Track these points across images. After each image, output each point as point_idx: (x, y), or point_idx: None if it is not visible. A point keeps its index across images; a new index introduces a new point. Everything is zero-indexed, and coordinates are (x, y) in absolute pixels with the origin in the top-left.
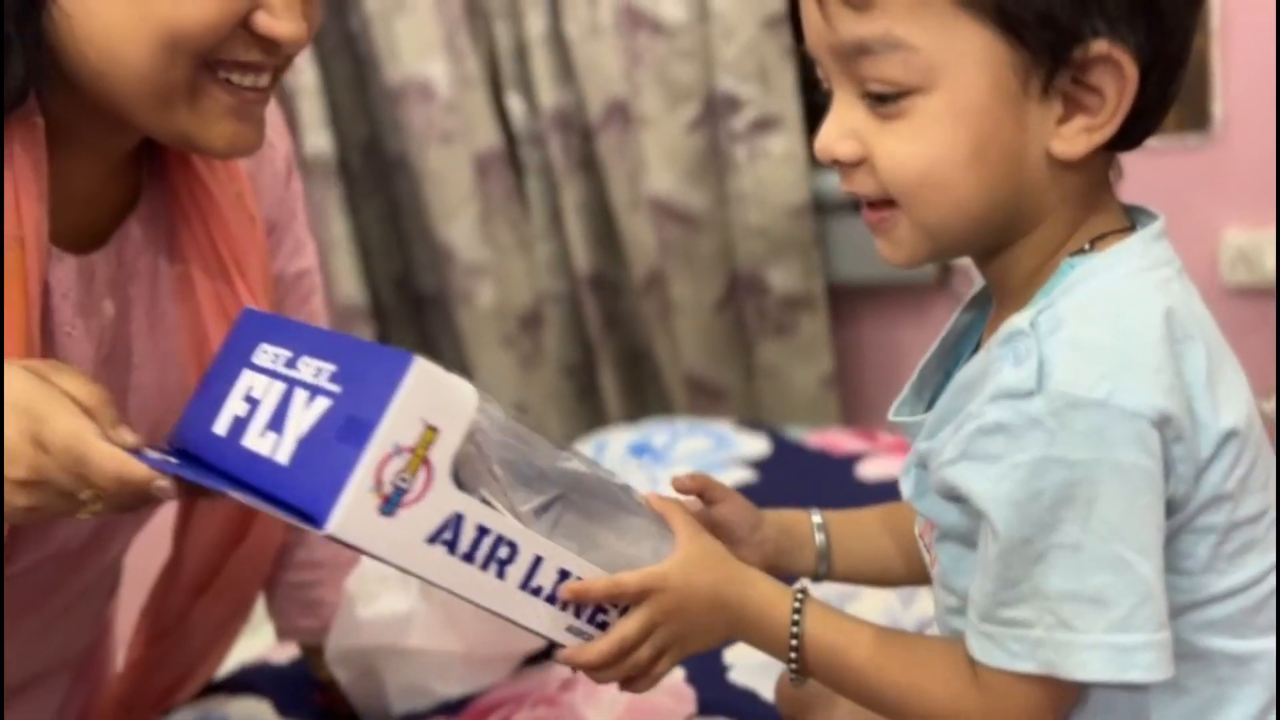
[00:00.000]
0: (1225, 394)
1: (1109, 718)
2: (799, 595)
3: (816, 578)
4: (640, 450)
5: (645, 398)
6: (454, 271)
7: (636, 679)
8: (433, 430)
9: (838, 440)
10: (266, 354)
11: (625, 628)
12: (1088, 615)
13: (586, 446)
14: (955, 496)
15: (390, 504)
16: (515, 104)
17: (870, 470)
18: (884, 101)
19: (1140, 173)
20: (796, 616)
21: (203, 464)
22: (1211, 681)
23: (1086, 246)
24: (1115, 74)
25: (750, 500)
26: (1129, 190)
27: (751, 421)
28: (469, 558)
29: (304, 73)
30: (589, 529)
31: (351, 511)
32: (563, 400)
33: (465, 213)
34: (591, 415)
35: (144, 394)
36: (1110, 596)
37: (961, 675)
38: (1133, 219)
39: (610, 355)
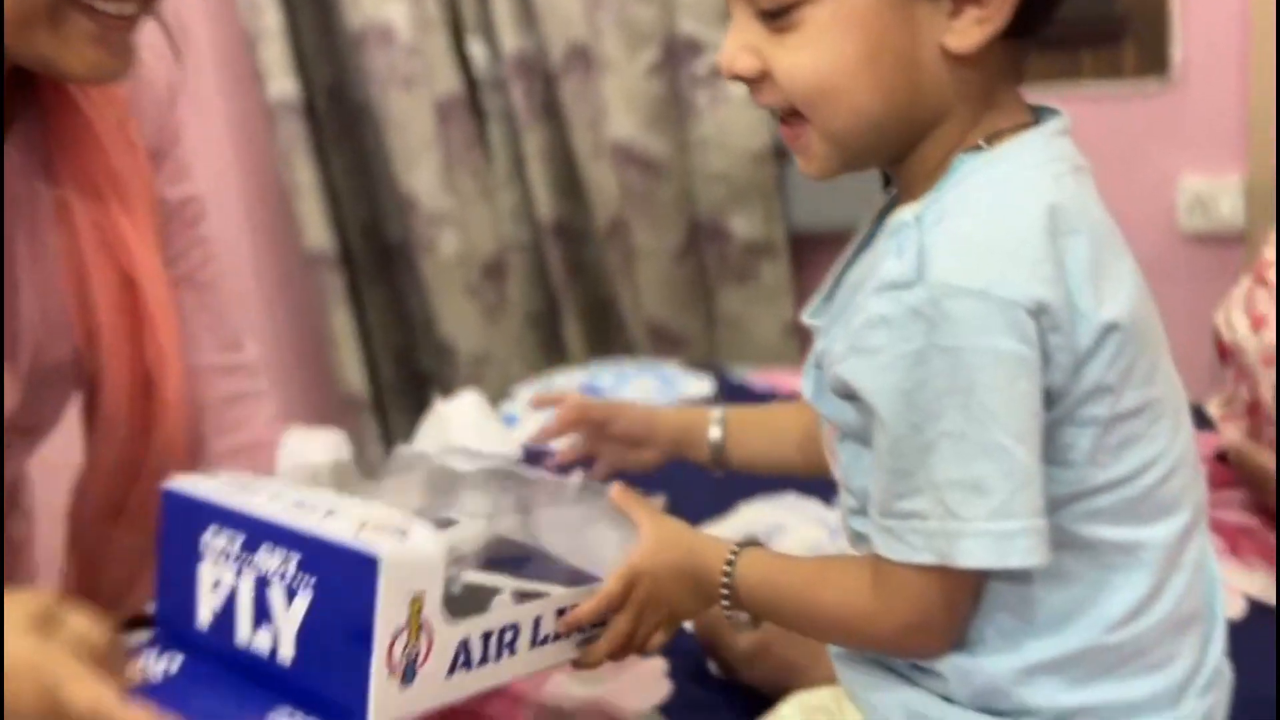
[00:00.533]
0: (1110, 289)
1: (999, 614)
2: (734, 548)
3: (713, 467)
4: (589, 391)
5: (609, 346)
6: (417, 220)
7: (641, 653)
8: (417, 598)
9: (785, 380)
10: (220, 538)
11: (619, 625)
12: (971, 503)
13: (535, 388)
14: (848, 393)
15: (408, 675)
16: (477, 48)
17: None
18: (776, 16)
19: (1099, 118)
20: (731, 558)
21: (201, 661)
22: (1096, 568)
23: (982, 143)
24: None
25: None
26: (1085, 134)
27: (700, 363)
28: (484, 661)
29: (266, 15)
30: (562, 563)
31: (381, 703)
32: (527, 349)
33: (427, 160)
34: (555, 364)
35: (28, 321)
36: (990, 484)
37: (860, 581)
38: (1037, 116)
39: (574, 304)
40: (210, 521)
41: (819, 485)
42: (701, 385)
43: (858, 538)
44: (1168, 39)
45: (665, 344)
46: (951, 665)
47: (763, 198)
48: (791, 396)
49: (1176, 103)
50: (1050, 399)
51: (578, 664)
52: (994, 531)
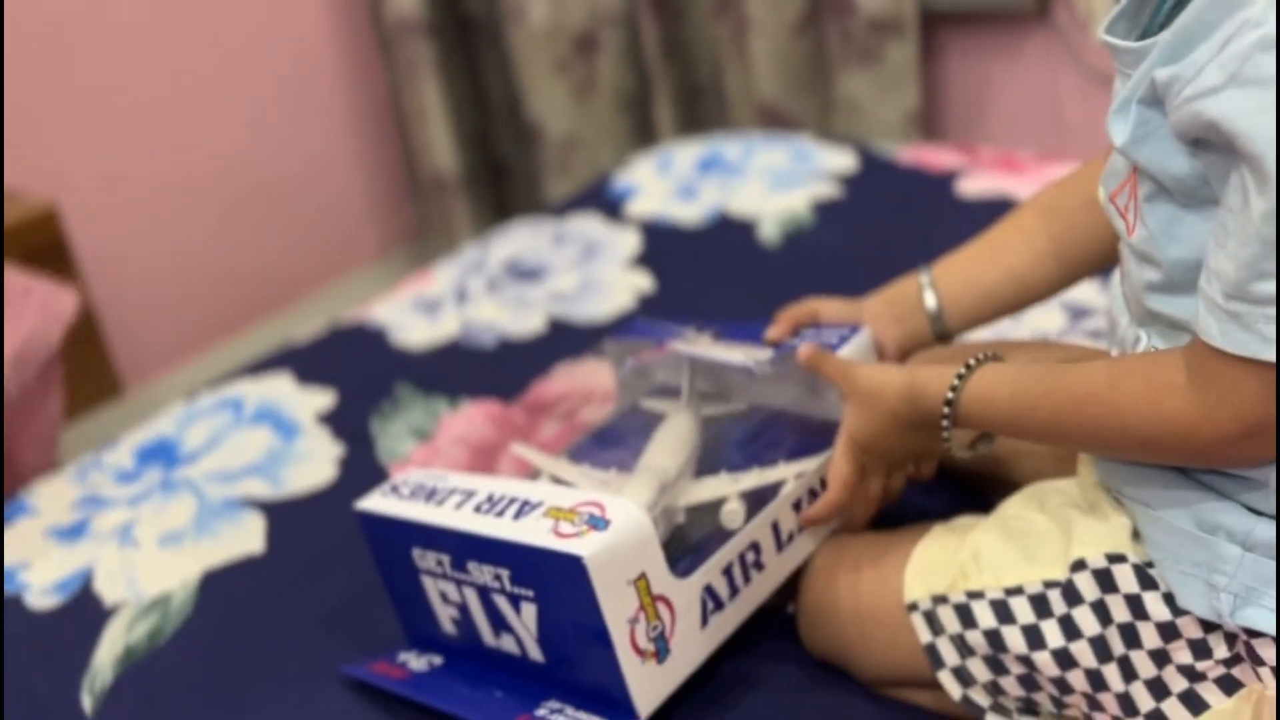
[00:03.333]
0: None
1: None
2: (960, 370)
3: (937, 337)
4: (711, 164)
5: (707, 133)
6: None
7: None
8: (640, 578)
9: (933, 156)
10: (428, 558)
11: (865, 490)
12: None
13: (650, 159)
14: (1202, 139)
15: (661, 652)
16: None
17: (971, 187)
18: None
19: None
20: (956, 383)
21: (460, 656)
22: None
23: None
24: None
25: (844, 221)
26: None
27: (834, 136)
28: (734, 592)
29: None
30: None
31: (644, 692)
32: (618, 135)
33: None
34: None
35: None
36: None
37: (1169, 379)
38: None
39: (670, 86)
40: (412, 542)
41: None
42: (842, 159)
43: (1151, 321)
44: None
45: (775, 129)
46: (1265, 473)
47: None
48: (939, 175)
49: None
50: None
51: (804, 521)
52: None
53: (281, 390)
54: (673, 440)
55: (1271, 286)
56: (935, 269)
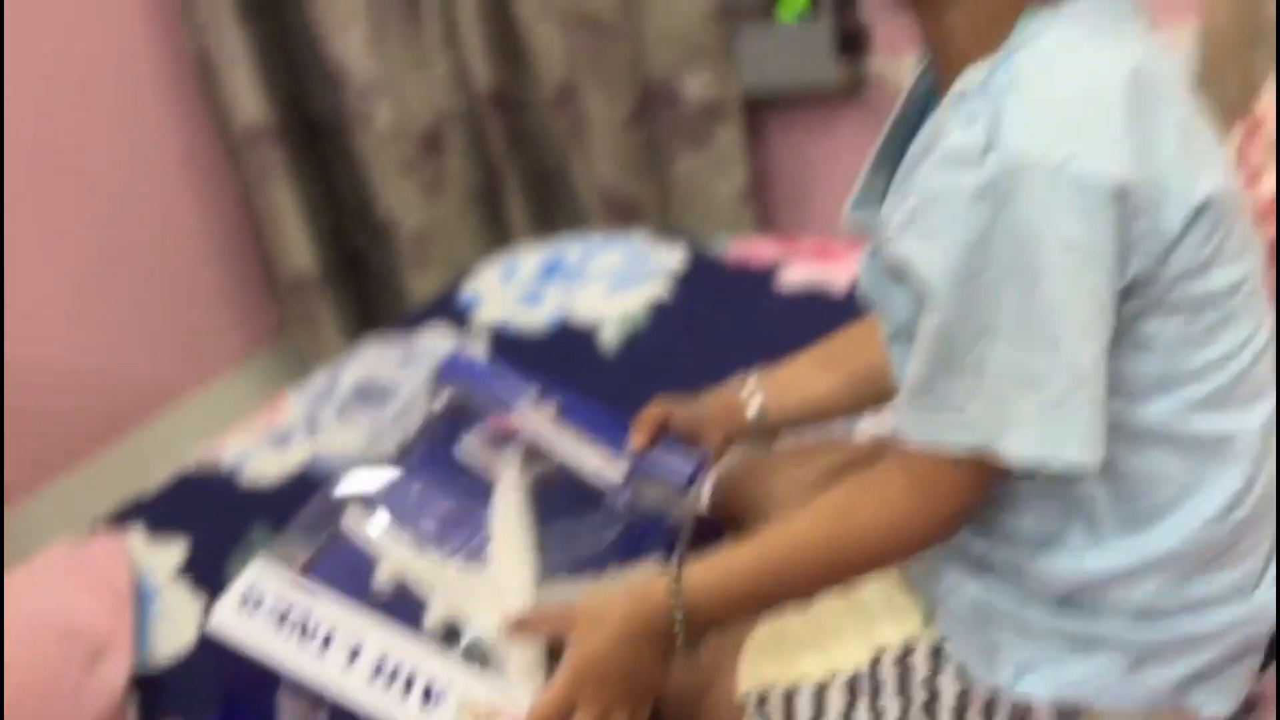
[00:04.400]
0: (1201, 158)
1: (1087, 514)
2: (669, 570)
3: (759, 433)
4: (554, 269)
5: (556, 220)
6: (347, 91)
7: None
8: None
9: (756, 249)
10: (295, 709)
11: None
12: (1023, 395)
13: (495, 266)
14: (902, 275)
15: None
16: None
17: (790, 278)
18: None
19: None
20: (675, 586)
21: None
22: (1190, 463)
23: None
24: None
25: (676, 321)
26: None
27: (668, 233)
28: None
29: None
30: None
31: None
32: (470, 226)
33: (355, 27)
34: (500, 241)
35: None
36: (1047, 377)
37: (892, 477)
38: None
39: (517, 177)
40: (278, 687)
41: None
42: (674, 256)
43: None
44: None
45: (618, 214)
46: (1037, 564)
47: (714, 59)
48: (761, 269)
49: None
50: (1134, 288)
51: None
52: (1045, 426)
53: (133, 548)
54: (518, 544)
55: (946, 391)
56: (764, 377)
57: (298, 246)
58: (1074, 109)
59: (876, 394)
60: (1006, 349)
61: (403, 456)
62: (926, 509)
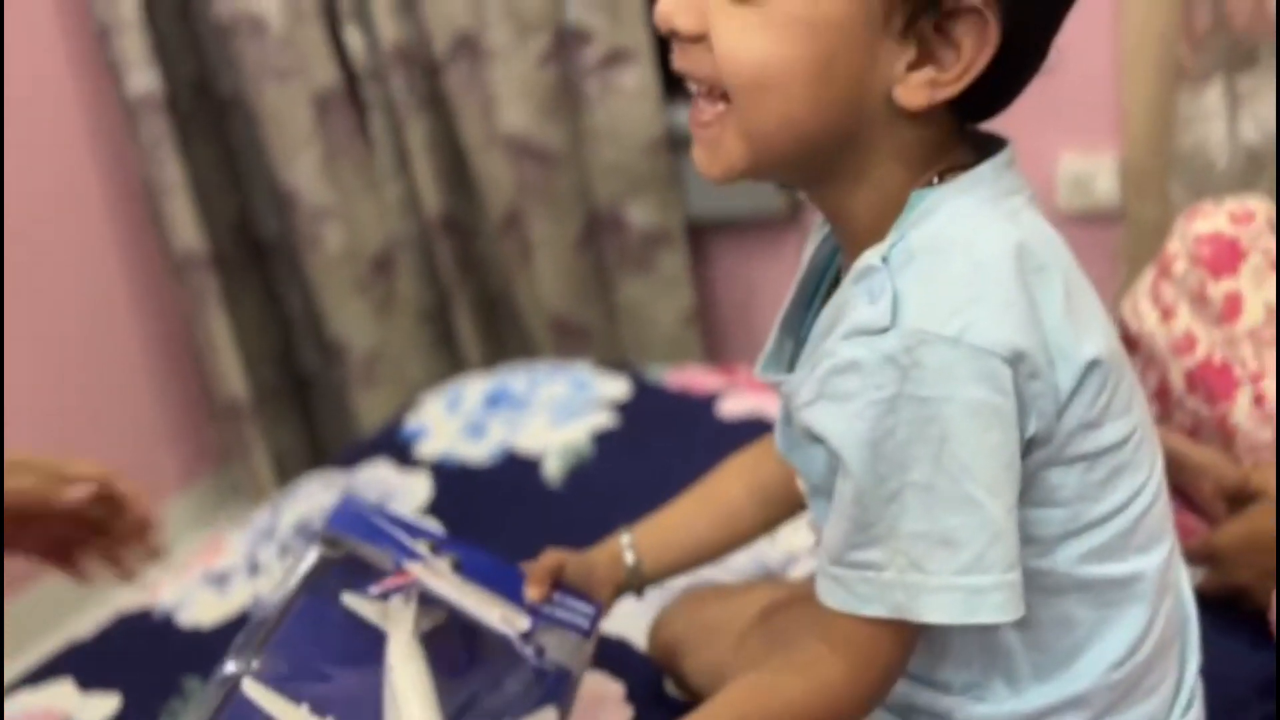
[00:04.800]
0: (1085, 322)
1: (1005, 663)
2: None
3: (638, 589)
4: (498, 399)
5: (505, 342)
6: (299, 216)
7: None
8: None
9: (697, 379)
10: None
11: None
12: (939, 556)
13: (440, 397)
14: (815, 439)
15: None
16: (353, 38)
17: (730, 408)
18: None
19: None
20: None
21: None
22: (1097, 608)
23: (935, 180)
24: (978, 31)
25: (619, 451)
26: None
27: (612, 362)
28: None
29: (123, 6)
30: None
31: None
32: (420, 348)
33: (307, 154)
34: (450, 362)
35: None
36: (961, 537)
37: (814, 646)
38: (982, 145)
39: (467, 300)
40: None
41: None
42: (617, 386)
43: None
44: None
45: (566, 337)
46: (961, 713)
47: (659, 187)
48: (703, 398)
49: (1054, 81)
50: (1034, 444)
51: None
52: (964, 587)
53: (64, 701)
54: (423, 698)
55: (863, 555)
56: (638, 528)
57: (231, 373)
58: (965, 285)
59: (786, 506)
60: (919, 512)
61: (287, 609)
62: (853, 676)
